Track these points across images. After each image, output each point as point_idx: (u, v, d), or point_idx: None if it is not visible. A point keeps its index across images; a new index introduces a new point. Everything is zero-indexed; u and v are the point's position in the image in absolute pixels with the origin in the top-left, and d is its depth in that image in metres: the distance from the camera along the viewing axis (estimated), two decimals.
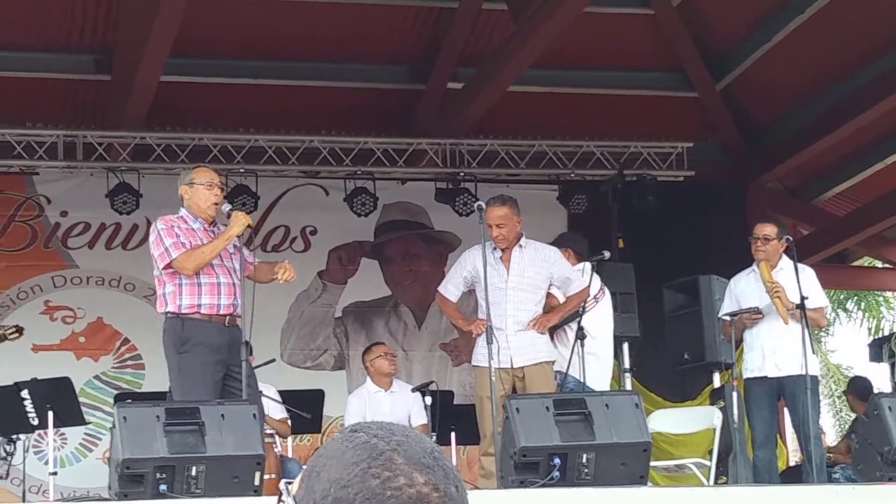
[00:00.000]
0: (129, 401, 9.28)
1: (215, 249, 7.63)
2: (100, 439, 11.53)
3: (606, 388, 9.18)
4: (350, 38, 12.30)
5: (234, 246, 7.79)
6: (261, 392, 8.28)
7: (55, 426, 9.73)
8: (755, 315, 8.75)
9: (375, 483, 1.58)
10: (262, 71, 12.43)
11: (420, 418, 9.92)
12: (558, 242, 9.31)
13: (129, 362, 12.13)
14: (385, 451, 1.61)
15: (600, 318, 9.18)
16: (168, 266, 7.63)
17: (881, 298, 23.18)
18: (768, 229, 8.87)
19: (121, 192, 11.72)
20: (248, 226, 7.80)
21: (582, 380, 8.76)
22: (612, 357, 9.58)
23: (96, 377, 12.02)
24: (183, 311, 7.59)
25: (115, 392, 11.42)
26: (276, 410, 9.78)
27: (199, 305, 7.59)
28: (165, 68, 10.94)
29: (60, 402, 9.77)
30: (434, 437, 9.96)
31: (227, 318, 7.64)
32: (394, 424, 1.67)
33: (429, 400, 9.85)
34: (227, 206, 7.92)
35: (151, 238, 7.76)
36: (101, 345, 12.16)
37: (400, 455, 1.60)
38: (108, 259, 12.29)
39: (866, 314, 23.58)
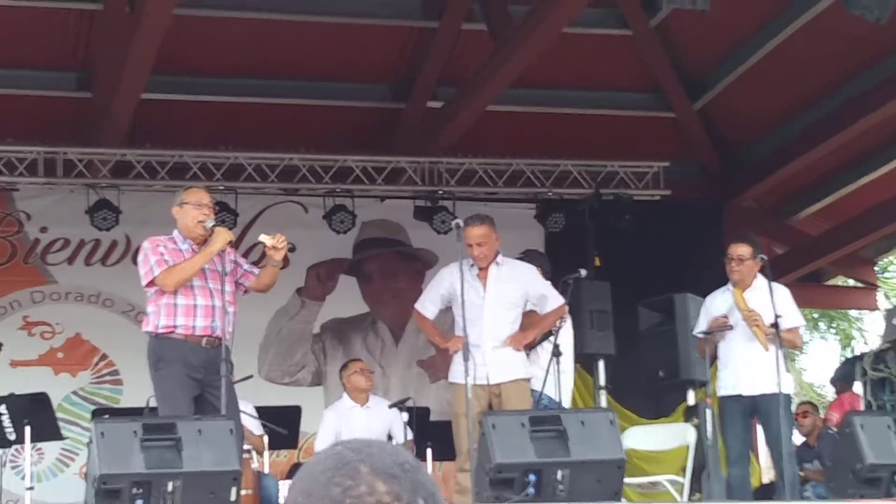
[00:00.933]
0: (107, 416, 9.30)
1: (196, 265, 7.65)
2: (77, 454, 11.55)
3: (570, 404, 9.27)
4: (330, 56, 12.37)
5: (224, 270, 7.71)
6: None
7: (32, 441, 9.73)
8: (723, 322, 8.80)
9: (337, 491, 1.60)
10: (242, 89, 12.49)
11: (402, 435, 9.94)
12: (522, 260, 9.38)
13: (107, 378, 12.15)
14: (351, 461, 1.63)
15: (567, 336, 9.26)
16: (151, 284, 7.66)
17: (854, 319, 23.28)
18: (742, 249, 8.92)
19: (101, 208, 11.75)
20: (230, 241, 7.83)
21: (557, 398, 8.82)
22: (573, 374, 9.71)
23: (74, 392, 12.04)
24: (160, 331, 7.63)
25: (93, 407, 11.41)
26: (251, 426, 9.81)
27: (175, 326, 7.61)
28: (146, 86, 10.99)
29: (38, 417, 9.78)
30: (413, 453, 10.00)
31: (205, 339, 7.65)
32: (376, 440, 1.69)
33: (405, 416, 9.88)
34: (210, 222, 7.95)
35: (139, 258, 7.82)
36: (79, 360, 12.17)
37: (366, 465, 1.62)
38: (87, 275, 12.31)
39: (837, 335, 23.69)
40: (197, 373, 7.58)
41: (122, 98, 10.99)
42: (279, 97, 12.61)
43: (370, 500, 1.59)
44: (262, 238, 7.81)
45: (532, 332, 8.73)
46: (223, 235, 7.74)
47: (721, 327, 8.81)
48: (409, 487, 1.61)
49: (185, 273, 7.61)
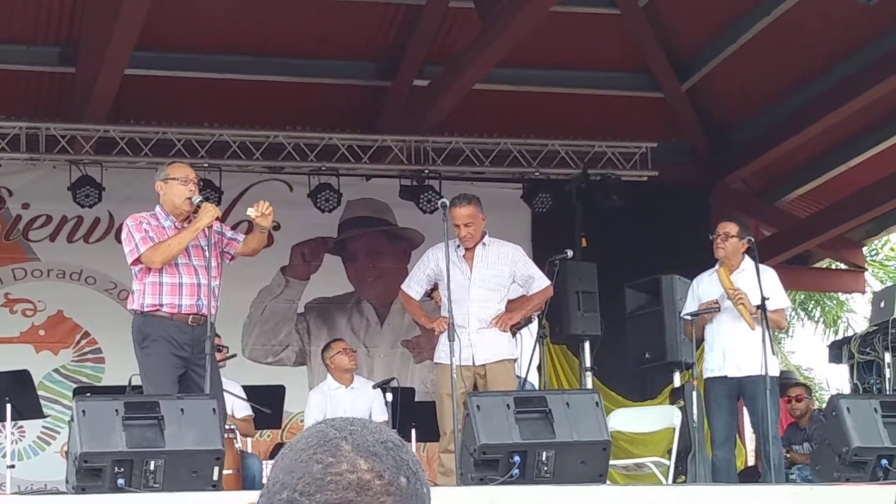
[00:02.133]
0: (89, 394, 9.23)
1: (182, 241, 7.59)
2: (58, 433, 11.48)
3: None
4: (317, 34, 12.29)
5: (209, 245, 7.66)
6: (226, 390, 8.27)
7: (13, 419, 9.70)
8: (712, 304, 8.78)
9: (317, 468, 1.59)
10: (227, 66, 12.41)
11: (381, 415, 9.90)
12: None
13: (90, 356, 12.08)
14: (333, 438, 1.62)
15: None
16: (136, 261, 7.58)
17: (840, 299, 23.29)
18: (729, 227, 8.93)
19: (83, 184, 11.67)
20: (217, 217, 7.77)
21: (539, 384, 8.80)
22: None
23: (56, 370, 11.98)
24: (145, 310, 7.57)
25: (75, 385, 11.39)
26: (240, 408, 9.77)
27: (161, 305, 7.55)
28: (130, 62, 10.90)
29: (19, 394, 9.73)
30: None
31: (191, 317, 7.60)
32: (359, 419, 1.68)
33: (390, 396, 9.85)
34: (197, 198, 7.87)
35: (123, 236, 7.75)
36: (61, 338, 12.11)
37: (348, 442, 1.61)
38: (69, 252, 12.24)
39: (825, 317, 23.71)
40: (182, 351, 7.54)
41: (106, 74, 10.89)
42: (264, 74, 12.53)
43: (351, 477, 1.59)
44: (249, 212, 7.77)
45: (518, 313, 8.70)
46: (210, 211, 7.68)
47: (709, 309, 8.79)
48: (391, 465, 1.61)
49: (172, 250, 7.54)
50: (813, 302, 23.50)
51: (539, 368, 10.39)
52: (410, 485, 1.62)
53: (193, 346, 7.56)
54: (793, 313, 22.43)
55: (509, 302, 8.71)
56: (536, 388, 8.85)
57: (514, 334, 8.82)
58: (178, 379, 7.57)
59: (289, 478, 1.60)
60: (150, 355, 7.53)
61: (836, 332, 22.59)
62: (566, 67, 13.04)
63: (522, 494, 7.18)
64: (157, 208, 7.77)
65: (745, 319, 8.64)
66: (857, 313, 22.78)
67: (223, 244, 7.80)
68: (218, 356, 8.27)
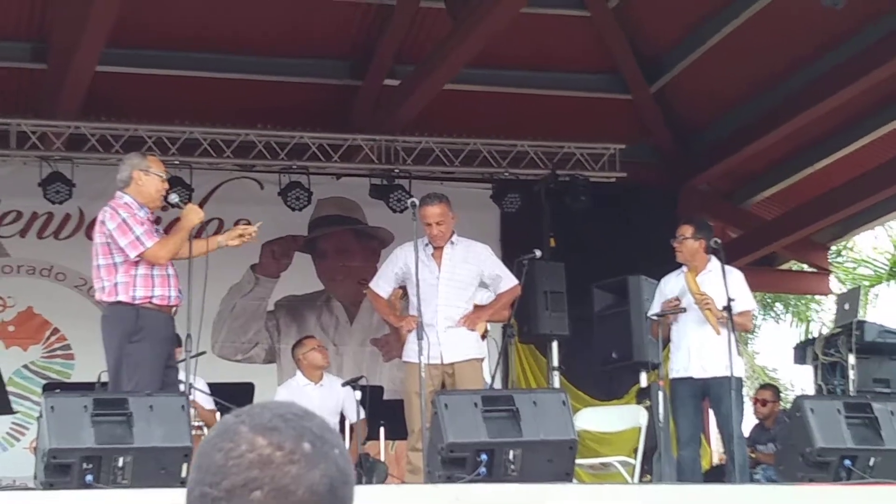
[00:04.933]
0: (58, 390, 9.25)
1: (182, 241, 7.62)
2: (27, 429, 11.49)
3: None
4: (288, 32, 12.32)
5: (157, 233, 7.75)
6: (191, 385, 8.29)
7: None
8: (675, 301, 8.84)
9: (219, 456, 1.61)
10: (198, 63, 12.42)
11: (354, 414, 9.94)
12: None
13: (59, 352, 12.08)
14: (231, 424, 1.64)
15: None
16: (139, 255, 7.51)
17: (812, 302, 23.42)
18: (683, 229, 8.99)
19: (54, 181, 11.67)
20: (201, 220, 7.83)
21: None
22: None
23: (25, 366, 11.97)
24: (136, 302, 7.52)
25: (44, 382, 11.36)
26: (203, 402, 9.78)
27: (152, 297, 7.54)
28: (102, 58, 10.91)
29: None
30: (366, 432, 10.00)
31: (174, 308, 7.66)
32: (269, 402, 1.69)
33: (359, 394, 9.88)
34: (174, 197, 7.88)
35: (111, 226, 7.50)
36: (30, 334, 12.10)
37: (245, 425, 1.63)
38: (39, 248, 12.23)
39: (794, 318, 23.82)
40: (166, 345, 7.60)
41: (77, 70, 10.90)
42: (236, 72, 12.55)
43: (251, 456, 1.60)
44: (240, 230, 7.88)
45: (486, 311, 8.75)
46: (200, 213, 7.73)
47: (673, 310, 8.85)
48: (291, 436, 1.61)
49: (177, 247, 7.57)
50: (780, 303, 23.61)
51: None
52: (316, 449, 1.62)
53: (172, 340, 7.69)
54: (759, 313, 22.54)
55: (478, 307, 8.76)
56: None
57: (483, 337, 8.86)
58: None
59: (197, 474, 1.62)
60: (142, 349, 7.48)
61: (808, 332, 22.69)
62: (536, 69, 13.10)
63: (489, 493, 7.23)
64: (128, 198, 7.63)
65: (711, 324, 8.70)
66: (829, 312, 22.92)
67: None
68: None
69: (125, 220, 7.52)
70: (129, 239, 7.49)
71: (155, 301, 7.54)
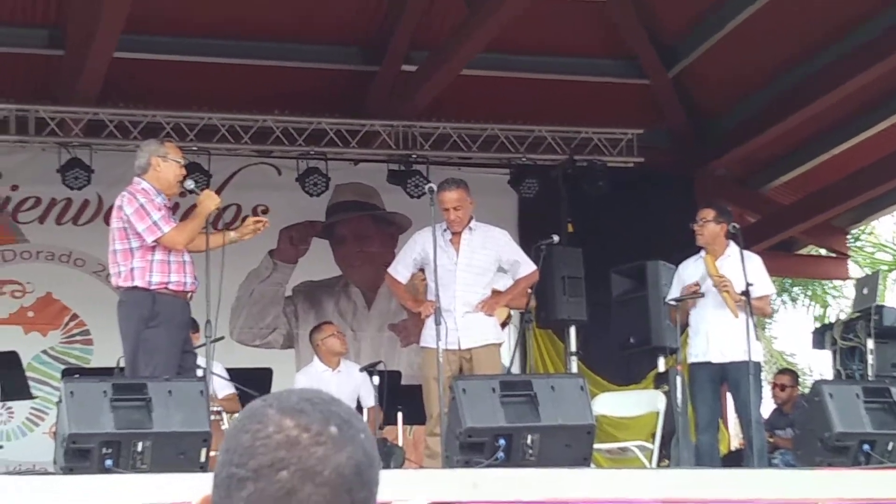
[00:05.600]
0: (77, 375, 9.28)
1: (199, 227, 7.65)
2: (47, 414, 11.52)
3: None
4: (305, 18, 12.31)
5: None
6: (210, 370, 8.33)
7: (2, 400, 9.75)
8: (694, 287, 8.83)
9: (246, 438, 1.63)
10: (216, 49, 12.42)
11: (369, 399, 9.95)
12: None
13: (78, 337, 12.12)
14: (259, 407, 1.66)
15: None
16: (156, 240, 7.54)
17: (829, 287, 23.37)
18: (706, 212, 8.99)
19: (72, 167, 11.70)
20: (217, 206, 7.85)
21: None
22: None
23: (44, 352, 12.01)
24: (153, 287, 7.54)
25: (63, 367, 11.41)
26: (223, 388, 9.81)
27: (168, 283, 7.57)
28: (119, 45, 10.92)
29: (7, 375, 9.77)
30: (382, 417, 10.03)
31: (190, 294, 7.69)
32: (293, 389, 1.70)
33: (376, 380, 9.89)
34: (190, 183, 7.89)
35: (129, 210, 7.53)
36: (49, 320, 12.14)
37: (273, 407, 1.65)
38: (58, 234, 12.27)
39: (812, 302, 23.78)
40: (183, 331, 7.64)
41: (95, 56, 10.91)
42: (253, 58, 12.55)
43: (279, 437, 1.62)
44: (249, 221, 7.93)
45: (504, 297, 8.76)
46: (216, 199, 7.74)
47: (692, 294, 8.85)
48: (318, 418, 1.63)
49: (195, 233, 7.62)
50: (798, 288, 23.56)
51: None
52: (343, 432, 1.63)
53: (188, 325, 7.73)
54: (778, 299, 22.52)
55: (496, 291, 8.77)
56: None
57: (504, 325, 8.87)
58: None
59: (225, 455, 1.64)
60: (159, 334, 7.51)
61: (825, 316, 22.66)
62: (553, 54, 13.07)
63: (507, 477, 7.24)
64: (146, 184, 7.67)
65: (728, 307, 8.70)
66: (849, 298, 22.89)
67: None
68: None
69: (143, 206, 7.53)
70: (146, 224, 7.50)
71: (171, 287, 7.56)
